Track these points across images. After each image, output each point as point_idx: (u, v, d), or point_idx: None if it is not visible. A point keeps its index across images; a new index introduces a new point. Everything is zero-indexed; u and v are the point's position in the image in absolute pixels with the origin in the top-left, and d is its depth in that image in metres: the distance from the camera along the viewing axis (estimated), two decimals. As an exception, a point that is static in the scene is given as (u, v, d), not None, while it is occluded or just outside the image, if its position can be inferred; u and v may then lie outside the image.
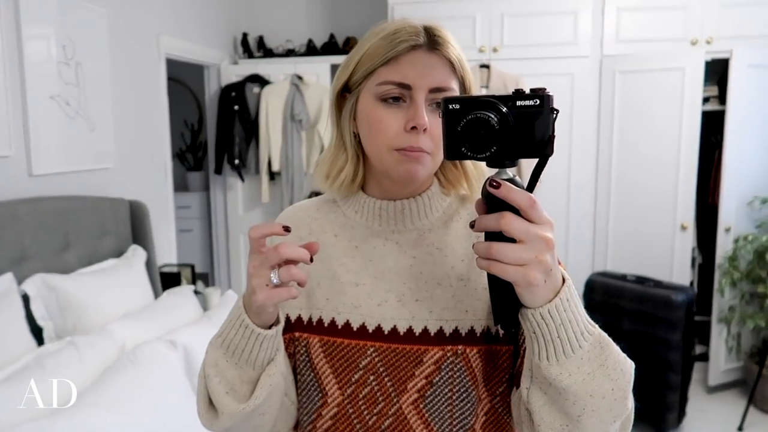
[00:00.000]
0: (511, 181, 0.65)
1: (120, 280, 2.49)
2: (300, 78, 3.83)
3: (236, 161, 3.95)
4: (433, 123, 0.79)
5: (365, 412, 0.85)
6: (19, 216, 2.18)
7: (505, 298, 0.69)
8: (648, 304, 2.96)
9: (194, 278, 3.24)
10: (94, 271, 2.45)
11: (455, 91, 0.82)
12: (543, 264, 0.63)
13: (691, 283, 3.52)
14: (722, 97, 3.50)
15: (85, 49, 2.67)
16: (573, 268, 3.52)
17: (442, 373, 0.83)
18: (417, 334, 0.84)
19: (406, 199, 0.89)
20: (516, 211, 0.63)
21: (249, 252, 0.76)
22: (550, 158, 0.65)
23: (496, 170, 0.66)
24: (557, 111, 0.65)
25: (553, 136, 0.65)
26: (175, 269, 3.19)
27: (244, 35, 4.21)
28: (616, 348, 0.72)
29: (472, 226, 0.66)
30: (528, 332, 0.69)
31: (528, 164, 3.03)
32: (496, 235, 0.64)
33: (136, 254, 2.72)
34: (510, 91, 0.65)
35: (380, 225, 0.90)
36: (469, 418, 0.84)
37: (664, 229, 3.46)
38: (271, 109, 3.81)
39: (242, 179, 4.05)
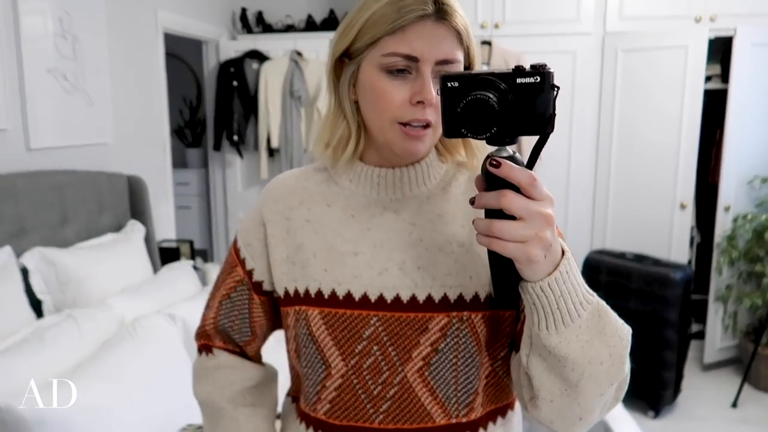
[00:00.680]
0: (511, 158, 0.64)
1: (119, 254, 2.49)
2: (299, 54, 3.80)
3: (235, 138, 3.92)
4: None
5: (370, 383, 0.85)
6: (17, 189, 2.18)
7: (505, 274, 0.69)
8: (646, 282, 2.98)
9: (193, 254, 3.24)
10: (93, 245, 2.45)
11: (461, 62, 0.80)
12: (543, 240, 0.63)
13: (689, 262, 3.53)
14: (725, 76, 3.47)
15: (81, 22, 2.63)
16: (572, 246, 3.45)
17: (448, 340, 0.83)
18: (421, 301, 0.83)
19: (405, 167, 0.87)
20: (516, 189, 0.63)
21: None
22: (550, 136, 0.65)
23: (496, 147, 0.66)
24: (558, 88, 0.64)
25: (554, 114, 0.64)
26: (174, 245, 3.19)
27: (243, 10, 4.15)
28: (614, 315, 0.73)
29: (472, 202, 0.66)
30: (528, 303, 0.69)
31: (528, 140, 3.03)
32: (496, 212, 0.64)
33: (135, 229, 2.72)
34: (511, 68, 0.64)
35: (378, 193, 0.88)
36: (474, 383, 0.85)
37: (663, 208, 3.45)
38: (270, 86, 3.78)
39: (241, 156, 4.03)
